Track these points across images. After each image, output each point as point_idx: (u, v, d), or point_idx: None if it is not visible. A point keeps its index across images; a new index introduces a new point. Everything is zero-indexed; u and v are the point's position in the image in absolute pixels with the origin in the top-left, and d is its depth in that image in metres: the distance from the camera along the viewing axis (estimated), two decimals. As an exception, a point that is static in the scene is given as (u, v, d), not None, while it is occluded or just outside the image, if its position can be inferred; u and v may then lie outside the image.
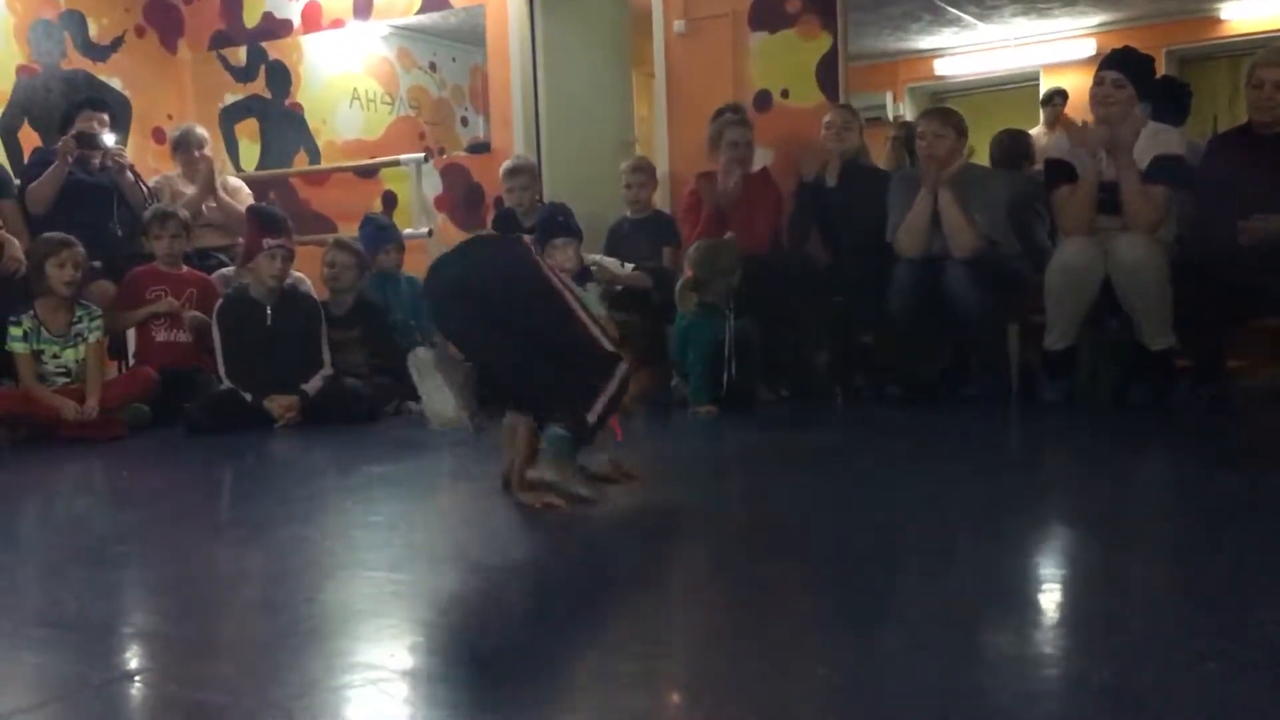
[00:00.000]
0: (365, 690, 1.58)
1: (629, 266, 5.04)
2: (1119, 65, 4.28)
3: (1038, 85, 9.18)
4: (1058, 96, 7.63)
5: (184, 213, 5.36)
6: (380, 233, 5.49)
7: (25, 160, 5.92)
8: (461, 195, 6.57)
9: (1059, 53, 9.02)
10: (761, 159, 5.56)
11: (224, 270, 5.37)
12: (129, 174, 5.50)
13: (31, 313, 4.46)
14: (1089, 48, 8.80)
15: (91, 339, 4.57)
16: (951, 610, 1.88)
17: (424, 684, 1.60)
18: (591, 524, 2.64)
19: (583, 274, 4.82)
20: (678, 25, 5.93)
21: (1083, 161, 4.28)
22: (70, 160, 5.23)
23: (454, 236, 6.26)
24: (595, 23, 6.72)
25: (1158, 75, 4.42)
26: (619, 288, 4.99)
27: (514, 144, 6.33)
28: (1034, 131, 6.95)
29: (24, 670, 1.72)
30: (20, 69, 6.49)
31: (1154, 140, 4.22)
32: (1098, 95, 4.28)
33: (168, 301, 4.96)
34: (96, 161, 5.42)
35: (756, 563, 2.29)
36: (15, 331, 4.42)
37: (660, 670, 1.68)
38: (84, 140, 5.30)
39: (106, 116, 5.48)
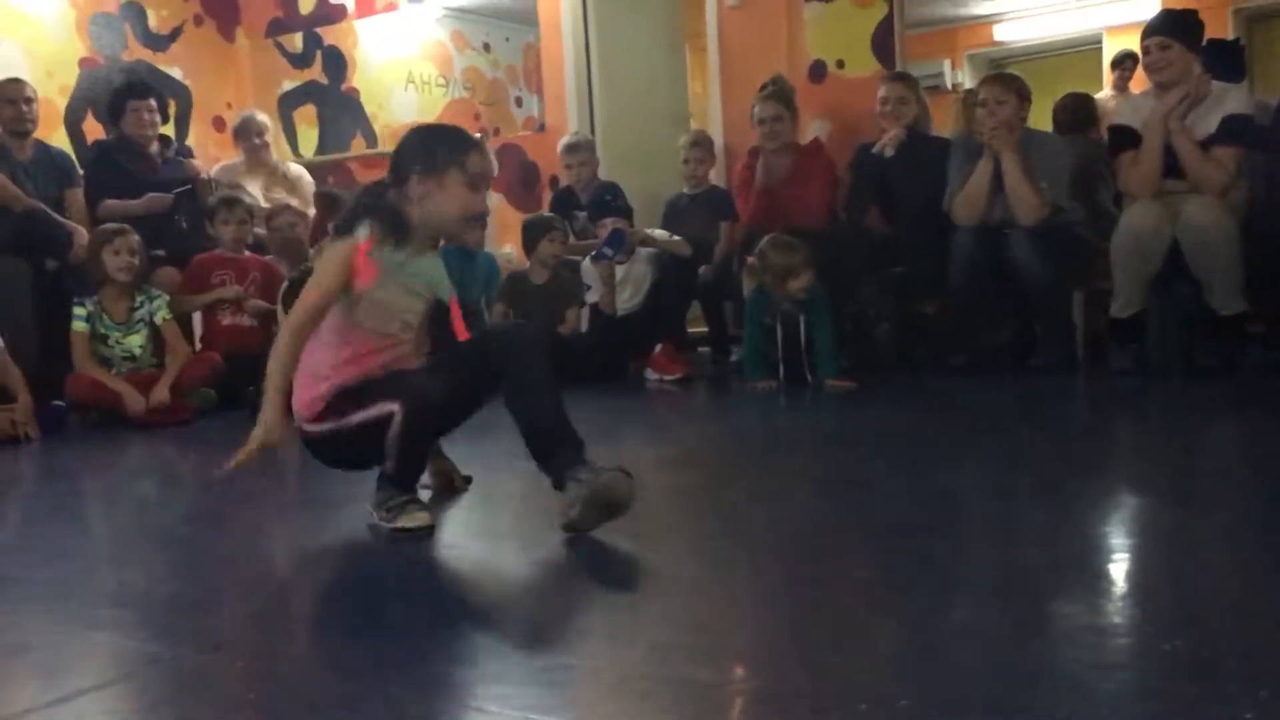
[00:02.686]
0: (429, 669, 1.59)
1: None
2: (1159, 30, 4.19)
3: (1101, 48, 8.98)
4: (1128, 60, 7.45)
5: (249, 199, 5.45)
6: None
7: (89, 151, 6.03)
8: (517, 175, 6.58)
9: (1122, 14, 8.79)
10: (818, 130, 5.50)
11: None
12: (207, 184, 5.63)
13: (95, 299, 4.55)
14: (1153, 7, 8.58)
15: (158, 319, 4.64)
16: (1019, 580, 1.85)
17: (484, 660, 1.61)
18: (649, 497, 2.63)
19: (615, 238, 4.83)
20: (730, -3, 5.88)
21: (1147, 126, 4.19)
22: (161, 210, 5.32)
23: (510, 216, 6.28)
24: (648, -2, 6.70)
25: (1205, 34, 4.29)
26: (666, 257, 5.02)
27: (568, 122, 6.33)
28: (1102, 95, 6.81)
29: (95, 648, 1.75)
30: (83, 61, 6.60)
31: (1220, 100, 4.11)
32: (1148, 64, 4.23)
33: (233, 288, 5.02)
34: (158, 159, 5.50)
35: (818, 533, 2.28)
36: (79, 312, 4.51)
37: (721, 642, 1.67)
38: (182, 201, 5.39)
39: (154, 102, 5.53)
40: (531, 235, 5.16)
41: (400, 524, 2.33)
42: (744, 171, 5.25)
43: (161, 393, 4.44)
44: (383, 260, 2.38)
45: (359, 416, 2.35)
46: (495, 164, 5.88)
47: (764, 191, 5.01)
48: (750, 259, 4.48)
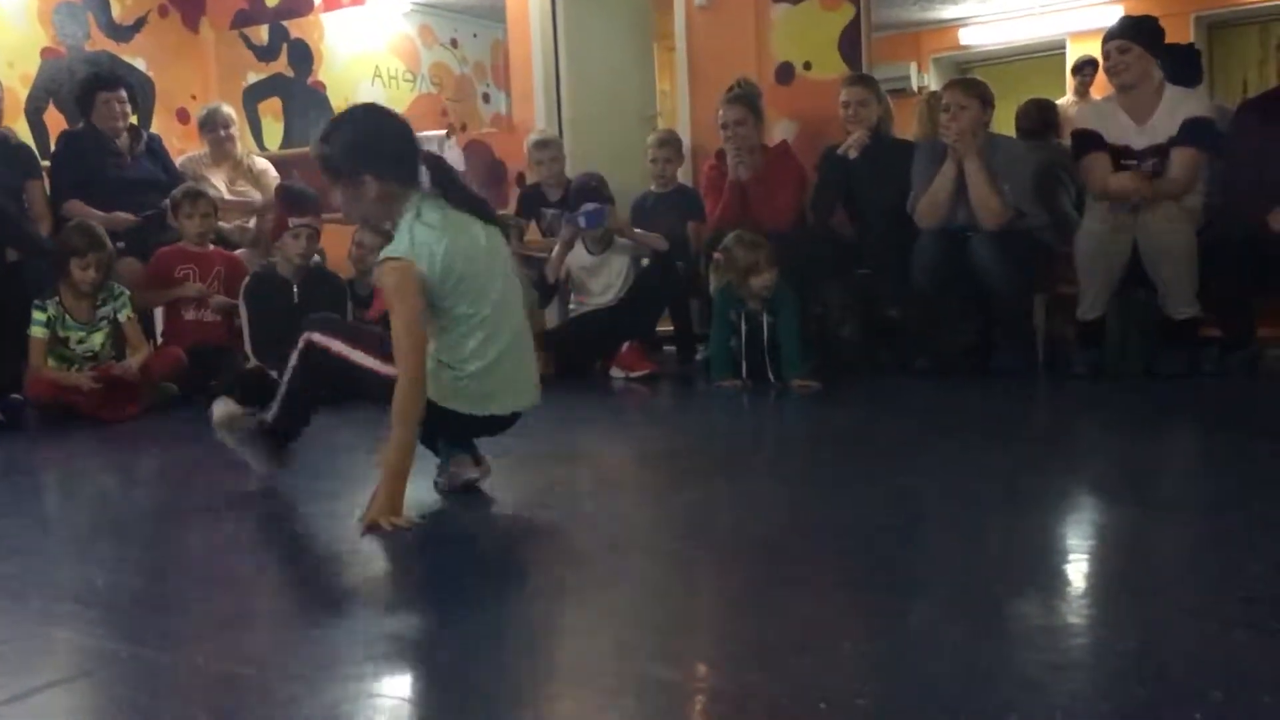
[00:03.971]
0: (388, 663, 1.59)
1: None
2: (1118, 34, 4.26)
3: (1064, 53, 9.07)
4: (1088, 66, 7.53)
5: (213, 192, 5.39)
6: None
7: (51, 142, 5.95)
8: (484, 172, 6.57)
9: (1085, 19, 8.89)
10: (785, 131, 5.53)
11: (239, 251, 5.39)
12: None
13: (56, 299, 4.48)
14: (1116, 13, 8.67)
15: (122, 317, 4.59)
16: (978, 582, 1.87)
17: (446, 657, 1.61)
18: (613, 497, 2.64)
19: (596, 215, 4.90)
20: (699, -3, 5.89)
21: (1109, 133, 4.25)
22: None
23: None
24: (616, -4, 6.70)
25: (1166, 37, 4.36)
26: (645, 261, 5.02)
27: (536, 120, 6.32)
28: (1063, 101, 6.88)
29: (55, 645, 1.74)
30: (45, 51, 6.52)
31: (1180, 104, 4.18)
32: (1108, 68, 4.31)
33: (195, 286, 4.97)
34: (128, 154, 5.44)
35: (780, 534, 2.29)
36: (39, 316, 4.43)
37: (683, 642, 1.68)
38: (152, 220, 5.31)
39: (124, 93, 5.46)
40: None
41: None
42: (711, 173, 5.26)
43: (126, 367, 4.43)
44: None
45: None
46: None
47: (733, 185, 5.00)
48: (716, 255, 4.50)
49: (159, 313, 5.20)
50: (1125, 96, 4.27)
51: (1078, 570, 1.95)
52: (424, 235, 2.44)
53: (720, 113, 5.08)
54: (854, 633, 1.66)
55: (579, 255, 5.13)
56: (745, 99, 5.08)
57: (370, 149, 2.50)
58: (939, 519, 2.43)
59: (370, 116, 2.66)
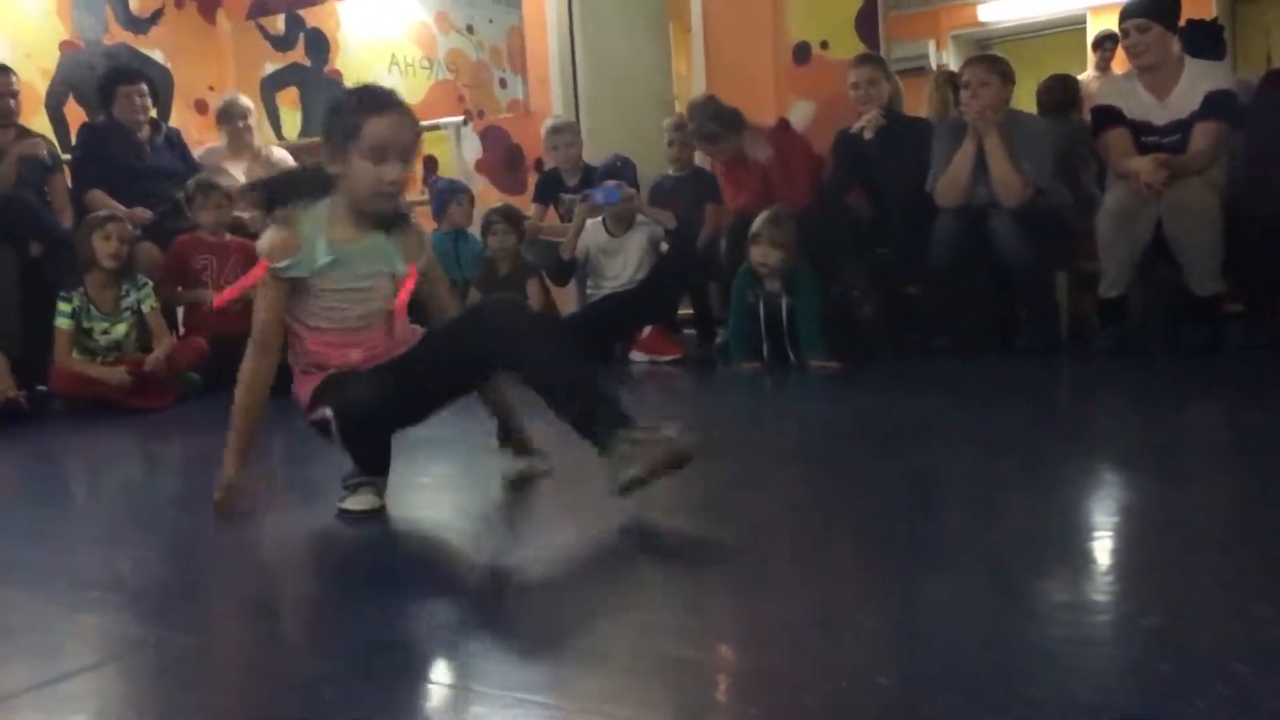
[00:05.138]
0: (415, 649, 1.60)
1: None
2: (1136, 12, 4.21)
3: (1085, 28, 8.99)
4: (1109, 41, 7.47)
5: (231, 183, 5.42)
6: (452, 184, 5.63)
7: (71, 135, 5.99)
8: (501, 157, 6.57)
9: (1106, -7, 8.83)
10: (802, 112, 5.50)
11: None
12: None
13: (82, 290, 4.52)
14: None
15: (145, 307, 4.62)
16: (1000, 558, 1.87)
17: (470, 640, 1.62)
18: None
19: (611, 192, 4.93)
20: (715, -22, 5.87)
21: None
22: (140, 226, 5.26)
23: (495, 199, 6.28)
24: (631, -21, 6.68)
25: (1184, 16, 4.31)
26: (664, 246, 5.03)
27: (552, 105, 6.32)
28: (1084, 76, 6.82)
29: (82, 631, 1.76)
30: (64, 45, 6.55)
31: (1201, 77, 4.13)
32: (1128, 47, 4.26)
33: (206, 293, 4.95)
34: (147, 145, 5.48)
35: (801, 514, 2.29)
36: (64, 307, 4.48)
37: (705, 622, 1.68)
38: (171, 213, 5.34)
39: (144, 87, 5.51)
40: (481, 234, 5.30)
41: (345, 505, 2.37)
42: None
43: (155, 362, 4.45)
44: (299, 269, 2.32)
45: (314, 415, 2.37)
46: (414, 128, 5.43)
47: (760, 177, 4.98)
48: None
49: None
50: (1146, 74, 4.23)
51: (1101, 546, 1.94)
52: None
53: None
54: (875, 611, 1.65)
55: (598, 236, 5.14)
56: (698, 135, 5.09)
57: None
58: (960, 496, 2.42)
59: None
